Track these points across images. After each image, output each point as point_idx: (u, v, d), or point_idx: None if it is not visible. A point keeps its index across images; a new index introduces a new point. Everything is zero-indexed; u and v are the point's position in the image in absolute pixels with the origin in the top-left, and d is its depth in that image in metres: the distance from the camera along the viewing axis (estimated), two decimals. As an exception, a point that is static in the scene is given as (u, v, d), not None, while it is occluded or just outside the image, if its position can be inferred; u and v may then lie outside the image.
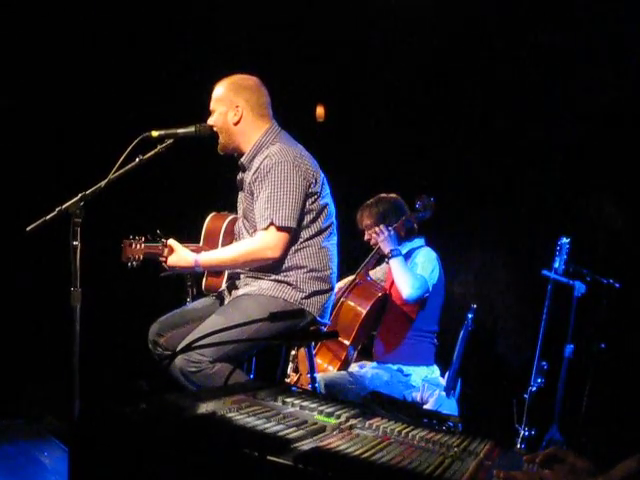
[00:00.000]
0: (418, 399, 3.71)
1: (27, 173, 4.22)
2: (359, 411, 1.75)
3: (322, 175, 3.10)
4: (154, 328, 3.16)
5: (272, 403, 1.71)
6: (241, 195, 3.21)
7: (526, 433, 4.05)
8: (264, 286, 3.01)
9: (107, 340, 4.24)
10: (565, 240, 4.15)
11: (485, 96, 4.72)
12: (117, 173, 2.78)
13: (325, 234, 3.10)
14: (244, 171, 3.15)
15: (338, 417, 1.64)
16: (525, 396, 4.10)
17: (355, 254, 4.02)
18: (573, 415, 4.10)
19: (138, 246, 2.99)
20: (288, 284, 3.00)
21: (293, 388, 2.03)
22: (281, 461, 1.24)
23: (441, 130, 4.81)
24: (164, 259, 3.01)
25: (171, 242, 3.02)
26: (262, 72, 3.20)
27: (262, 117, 3.11)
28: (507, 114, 4.63)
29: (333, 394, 3.37)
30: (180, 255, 3.00)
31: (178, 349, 2.79)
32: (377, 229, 3.81)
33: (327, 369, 3.75)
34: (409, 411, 1.80)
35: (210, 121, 3.11)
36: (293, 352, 3.75)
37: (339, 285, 3.74)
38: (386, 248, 3.77)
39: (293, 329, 2.88)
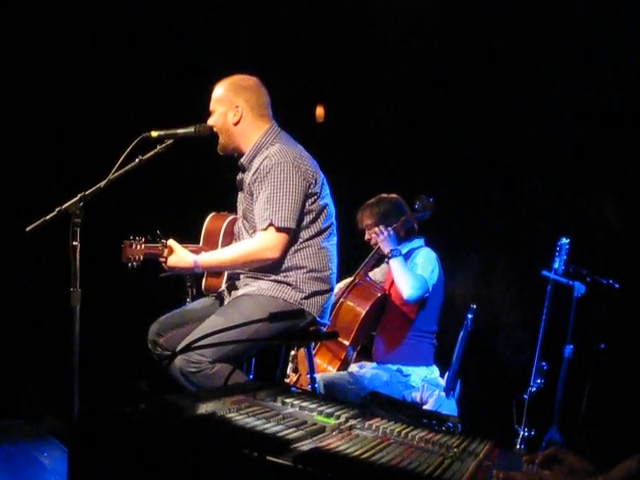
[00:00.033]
0: (418, 399, 3.70)
1: (27, 173, 4.22)
2: (359, 411, 1.75)
3: (322, 176, 3.10)
4: (154, 328, 3.16)
5: (272, 403, 1.71)
6: (241, 195, 3.21)
7: (526, 433, 4.04)
8: (264, 286, 3.01)
9: (107, 340, 4.24)
10: (565, 240, 4.15)
11: (485, 96, 4.71)
12: (117, 173, 2.78)
13: (325, 234, 3.10)
14: (244, 171, 3.14)
15: (338, 417, 1.64)
16: (525, 396, 4.09)
17: (355, 254, 4.02)
18: (573, 415, 4.09)
19: (138, 246, 2.99)
20: (288, 284, 3.00)
21: (293, 388, 2.03)
22: (281, 461, 1.24)
23: (441, 130, 4.81)
24: (164, 259, 3.02)
25: (171, 242, 3.02)
26: (262, 72, 3.20)
27: (262, 117, 3.11)
28: (507, 114, 4.63)
29: (333, 394, 3.37)
30: (180, 256, 3.00)
31: (178, 349, 2.79)
32: (377, 229, 3.82)
33: (327, 369, 3.75)
34: (409, 411, 1.80)
35: (210, 121, 3.11)
36: (293, 352, 3.75)
37: (339, 286, 3.74)
38: (386, 248, 3.78)
39: (293, 329, 2.87)
